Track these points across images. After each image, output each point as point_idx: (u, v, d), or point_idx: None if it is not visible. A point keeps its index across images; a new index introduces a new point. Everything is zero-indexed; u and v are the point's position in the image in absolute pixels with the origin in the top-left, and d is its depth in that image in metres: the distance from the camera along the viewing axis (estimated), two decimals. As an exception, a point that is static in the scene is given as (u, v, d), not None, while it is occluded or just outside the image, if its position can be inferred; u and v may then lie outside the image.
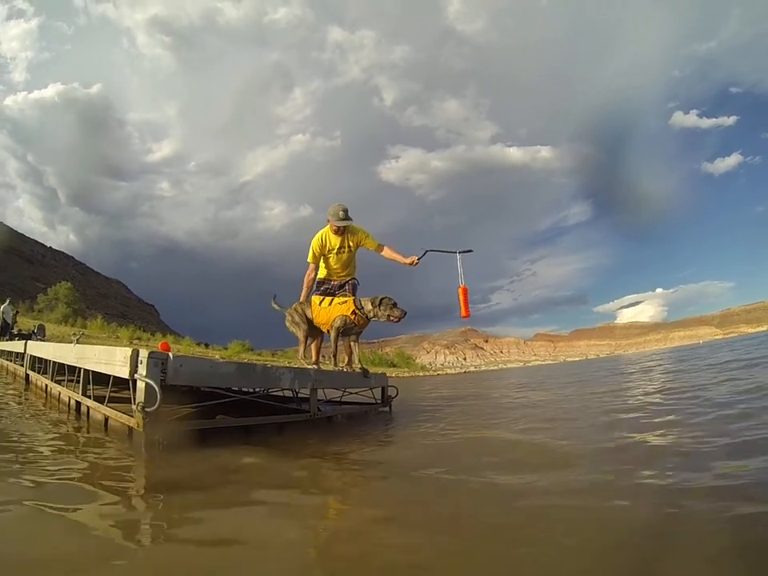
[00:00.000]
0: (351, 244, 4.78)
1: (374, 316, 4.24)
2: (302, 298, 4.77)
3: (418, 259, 4.61)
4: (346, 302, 4.27)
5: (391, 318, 4.22)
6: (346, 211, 4.61)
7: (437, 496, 1.92)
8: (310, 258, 4.78)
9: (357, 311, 4.19)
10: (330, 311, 4.29)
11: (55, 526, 1.47)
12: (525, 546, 1.35)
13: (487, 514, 1.64)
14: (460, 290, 4.40)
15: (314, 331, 4.53)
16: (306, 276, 4.84)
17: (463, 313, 4.43)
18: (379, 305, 4.20)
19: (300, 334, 4.42)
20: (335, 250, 4.76)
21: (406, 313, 4.27)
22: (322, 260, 4.86)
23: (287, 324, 4.53)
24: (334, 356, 4.37)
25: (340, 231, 4.68)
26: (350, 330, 4.29)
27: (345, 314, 4.20)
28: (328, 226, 4.72)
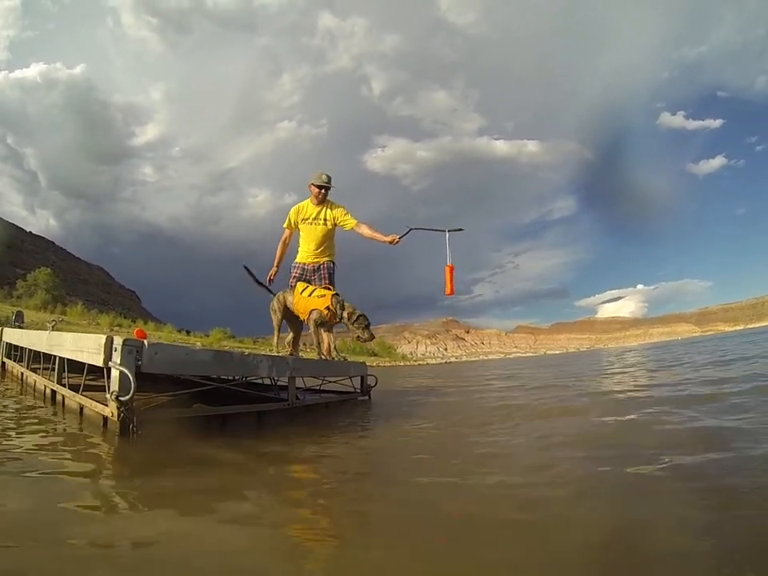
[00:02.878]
0: (328, 218, 4.72)
1: (345, 325, 4.31)
2: (275, 263, 4.86)
3: (400, 237, 4.56)
4: (324, 295, 4.28)
5: (360, 338, 4.36)
6: (329, 177, 4.64)
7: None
8: (285, 224, 4.81)
9: (331, 307, 4.20)
10: (308, 302, 4.32)
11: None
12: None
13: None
14: (447, 268, 4.46)
15: (293, 319, 4.55)
16: (280, 241, 4.89)
17: (448, 290, 4.51)
18: (355, 320, 4.24)
19: (274, 321, 4.51)
20: (310, 219, 4.72)
21: (373, 338, 4.45)
22: (299, 242, 4.85)
23: (270, 310, 4.59)
24: (318, 346, 4.38)
25: (320, 196, 4.66)
26: (323, 323, 4.34)
27: (319, 308, 4.23)
28: (310, 197, 4.73)
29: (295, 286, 4.65)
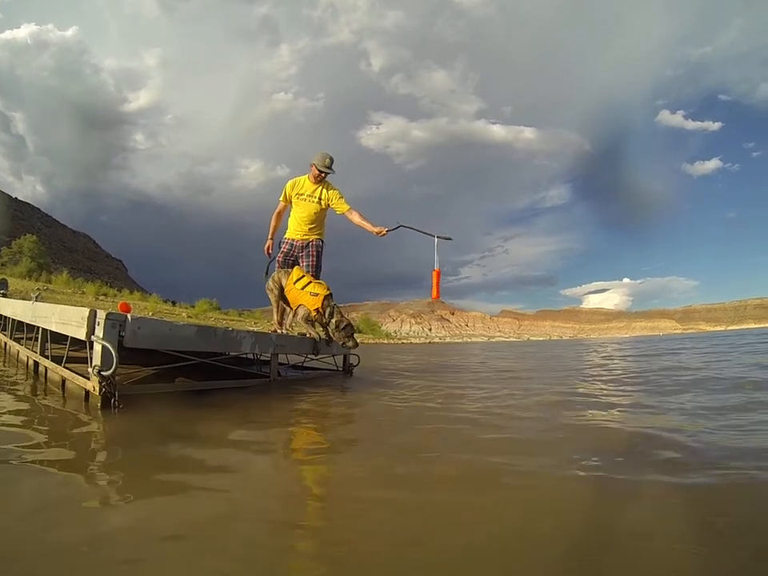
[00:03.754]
0: (323, 197, 4.75)
1: (331, 329, 4.35)
2: (269, 235, 4.91)
3: (388, 231, 4.60)
4: (318, 294, 4.27)
5: (344, 345, 4.46)
6: (332, 160, 4.66)
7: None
8: (281, 197, 4.84)
9: (320, 311, 4.25)
10: (299, 295, 4.34)
11: None
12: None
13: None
14: (434, 273, 4.53)
15: (285, 301, 4.60)
16: (274, 212, 4.92)
17: (434, 294, 4.61)
18: (342, 329, 4.30)
19: (272, 299, 4.60)
20: (305, 195, 4.76)
21: (357, 345, 4.57)
22: (290, 216, 4.88)
23: (266, 289, 4.67)
24: (308, 333, 4.45)
25: (319, 178, 4.70)
26: (311, 322, 4.39)
27: (309, 308, 4.28)
28: (308, 174, 4.75)
29: (282, 263, 4.74)
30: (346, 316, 4.45)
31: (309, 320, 4.33)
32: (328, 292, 4.30)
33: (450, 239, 4.73)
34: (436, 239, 4.57)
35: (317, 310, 4.24)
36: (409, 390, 4.11)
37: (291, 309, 4.52)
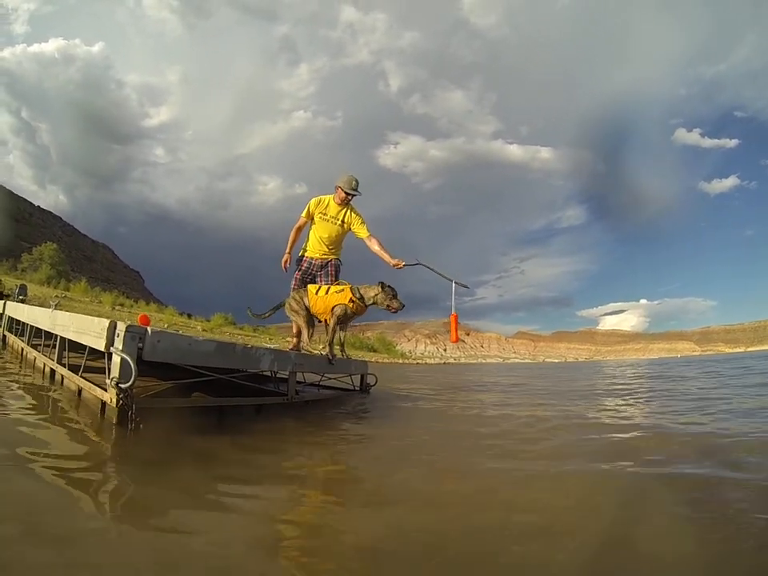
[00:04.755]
0: (346, 221, 4.73)
1: (374, 303, 4.21)
2: (287, 249, 4.80)
3: (405, 265, 4.54)
4: (343, 290, 4.22)
5: (390, 308, 4.24)
6: (357, 183, 4.63)
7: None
8: (303, 213, 4.78)
9: (354, 299, 4.16)
10: (327, 300, 4.24)
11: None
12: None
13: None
14: (452, 318, 4.52)
15: (312, 321, 4.49)
16: (294, 227, 4.83)
17: (453, 338, 4.63)
18: (382, 292, 4.16)
19: (301, 321, 4.39)
20: (329, 217, 4.72)
21: (404, 306, 4.30)
22: (309, 234, 4.83)
23: (287, 312, 4.51)
24: (330, 344, 4.28)
25: (345, 200, 4.66)
26: (349, 318, 4.30)
27: (343, 302, 4.17)
28: (333, 194, 4.71)
29: (300, 281, 4.66)
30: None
31: (346, 316, 4.21)
32: (349, 285, 4.27)
33: (467, 287, 4.73)
34: (453, 284, 4.52)
35: (351, 300, 4.15)
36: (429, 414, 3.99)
37: (325, 322, 4.36)
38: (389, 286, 4.20)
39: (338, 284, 4.37)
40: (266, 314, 4.73)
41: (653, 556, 1.30)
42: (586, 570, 1.24)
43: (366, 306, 4.24)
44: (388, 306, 4.22)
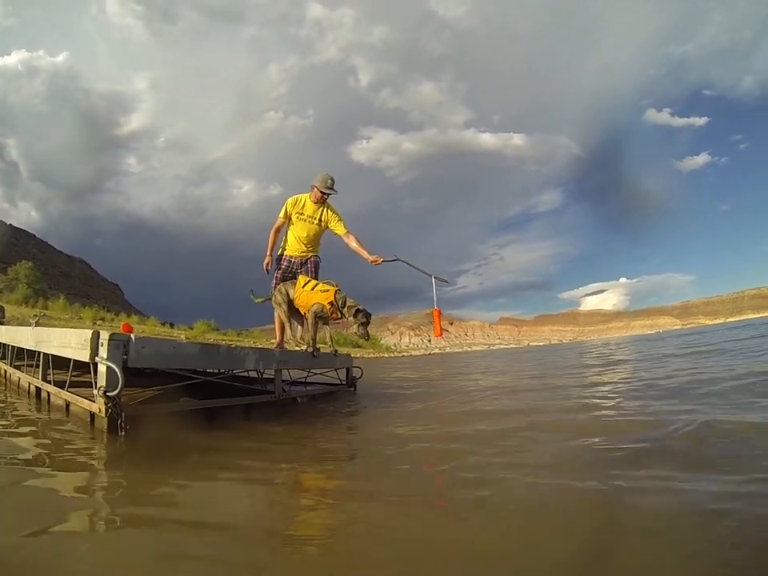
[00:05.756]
0: (323, 219, 4.79)
1: (348, 320, 4.34)
2: (267, 251, 4.86)
3: (383, 261, 4.64)
4: (328, 290, 4.30)
5: (357, 333, 4.42)
6: (333, 181, 4.68)
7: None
8: (281, 214, 4.82)
9: (334, 303, 4.25)
10: (309, 296, 4.33)
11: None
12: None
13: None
14: (435, 312, 4.62)
15: (295, 312, 4.57)
16: (272, 228, 4.87)
17: (437, 333, 4.73)
18: (354, 314, 4.27)
19: (283, 315, 4.53)
20: (305, 216, 4.78)
21: (369, 336, 4.54)
22: (288, 233, 4.89)
23: (273, 303, 4.63)
24: (313, 340, 4.36)
25: (321, 199, 4.71)
26: (325, 318, 4.38)
27: (322, 303, 4.26)
28: (309, 193, 4.76)
29: (281, 280, 4.73)
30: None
31: (321, 315, 4.29)
32: (337, 287, 4.34)
33: (446, 281, 4.87)
34: (433, 280, 4.63)
35: (330, 303, 4.24)
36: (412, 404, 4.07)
37: (304, 316, 4.46)
38: (366, 312, 4.30)
39: (327, 283, 4.41)
40: (263, 299, 4.82)
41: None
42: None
43: (342, 315, 4.33)
44: (357, 332, 4.39)
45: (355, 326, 4.34)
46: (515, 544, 1.26)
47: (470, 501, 1.58)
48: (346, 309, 4.27)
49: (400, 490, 1.75)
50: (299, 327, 4.73)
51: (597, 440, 2.24)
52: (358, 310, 4.26)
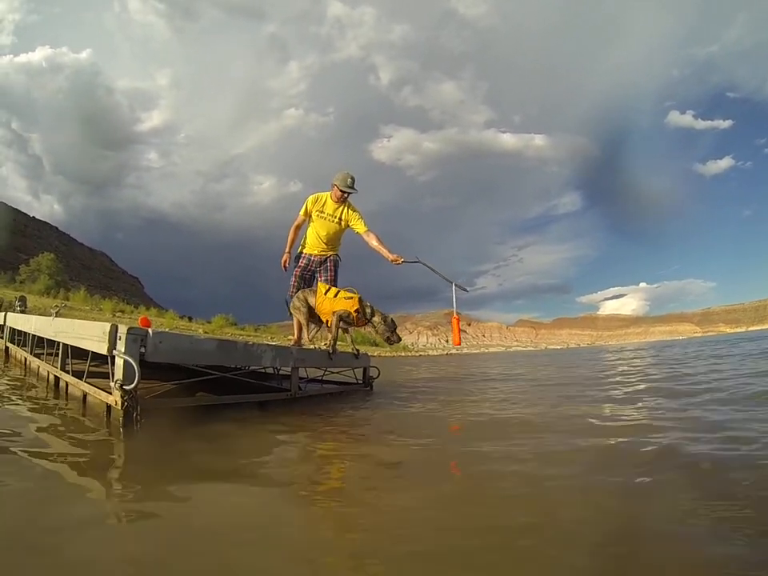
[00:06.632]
0: (344, 218, 4.76)
1: (374, 329, 4.38)
2: (286, 248, 4.84)
3: (404, 261, 4.60)
4: (352, 298, 4.28)
5: (390, 340, 4.46)
6: (353, 180, 4.64)
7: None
8: (301, 211, 4.80)
9: (360, 311, 4.24)
10: (333, 303, 4.30)
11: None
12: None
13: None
14: (454, 320, 4.62)
15: (314, 318, 4.54)
16: (292, 225, 4.85)
17: (456, 341, 4.74)
18: (383, 321, 4.33)
19: (302, 318, 4.48)
20: (326, 215, 4.75)
21: (400, 339, 4.59)
22: (307, 231, 4.84)
23: (291, 309, 4.59)
24: (334, 341, 4.32)
25: (342, 198, 4.68)
26: (348, 324, 4.38)
27: (348, 309, 4.25)
28: (330, 192, 4.73)
29: (299, 277, 4.71)
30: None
31: (346, 320, 4.28)
32: (359, 295, 4.33)
33: (466, 290, 4.83)
34: (454, 286, 4.60)
35: (356, 310, 4.23)
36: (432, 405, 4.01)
37: (325, 323, 4.44)
38: (392, 319, 4.37)
39: (348, 290, 4.39)
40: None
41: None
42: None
43: (366, 323, 4.35)
44: (388, 338, 4.42)
45: (386, 333, 4.37)
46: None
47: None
48: (376, 317, 4.31)
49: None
50: (315, 329, 4.71)
51: None
52: (385, 317, 4.31)
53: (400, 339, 4.56)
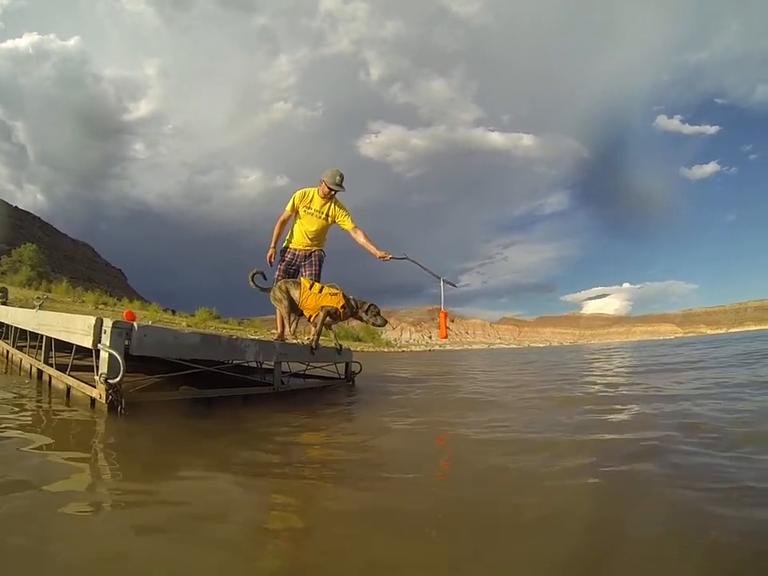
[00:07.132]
0: (330, 214, 4.78)
1: (360, 319, 4.49)
2: (272, 243, 4.84)
3: (392, 258, 4.66)
4: (336, 294, 4.34)
5: (375, 324, 4.54)
6: (342, 177, 4.67)
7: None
8: (288, 206, 4.81)
9: (346, 306, 4.31)
10: (318, 298, 4.34)
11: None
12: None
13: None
14: (441, 314, 4.72)
15: (296, 311, 4.57)
16: (278, 220, 4.87)
17: (443, 334, 4.85)
18: (367, 309, 4.41)
19: (283, 310, 4.48)
20: (313, 210, 4.77)
21: (386, 322, 4.64)
22: (294, 226, 4.88)
23: (271, 300, 4.58)
24: (317, 336, 4.37)
25: (329, 195, 4.71)
26: (334, 320, 4.43)
27: (335, 306, 4.31)
28: (318, 187, 4.75)
29: (284, 272, 4.75)
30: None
31: (332, 315, 4.35)
32: (342, 291, 4.41)
33: (454, 285, 4.94)
34: (442, 282, 4.67)
35: (342, 306, 4.31)
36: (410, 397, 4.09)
37: (310, 316, 4.48)
38: (373, 304, 4.46)
39: (331, 286, 4.43)
40: (258, 288, 4.74)
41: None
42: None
43: (353, 315, 4.45)
44: (373, 323, 4.51)
45: (371, 319, 4.47)
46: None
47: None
48: (363, 308, 4.42)
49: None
50: (295, 320, 4.74)
51: None
52: (369, 305, 4.42)
53: (386, 321, 4.64)
